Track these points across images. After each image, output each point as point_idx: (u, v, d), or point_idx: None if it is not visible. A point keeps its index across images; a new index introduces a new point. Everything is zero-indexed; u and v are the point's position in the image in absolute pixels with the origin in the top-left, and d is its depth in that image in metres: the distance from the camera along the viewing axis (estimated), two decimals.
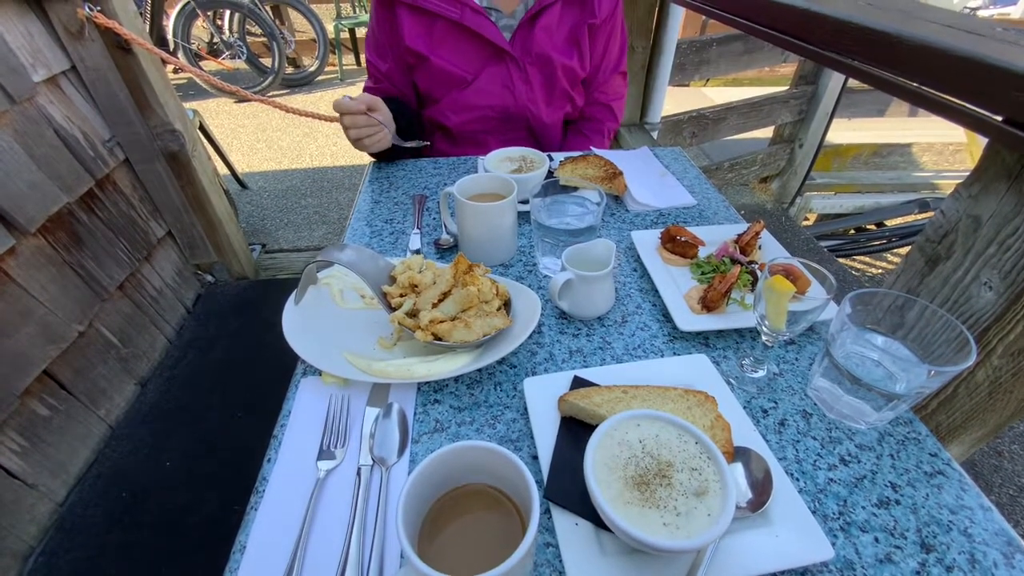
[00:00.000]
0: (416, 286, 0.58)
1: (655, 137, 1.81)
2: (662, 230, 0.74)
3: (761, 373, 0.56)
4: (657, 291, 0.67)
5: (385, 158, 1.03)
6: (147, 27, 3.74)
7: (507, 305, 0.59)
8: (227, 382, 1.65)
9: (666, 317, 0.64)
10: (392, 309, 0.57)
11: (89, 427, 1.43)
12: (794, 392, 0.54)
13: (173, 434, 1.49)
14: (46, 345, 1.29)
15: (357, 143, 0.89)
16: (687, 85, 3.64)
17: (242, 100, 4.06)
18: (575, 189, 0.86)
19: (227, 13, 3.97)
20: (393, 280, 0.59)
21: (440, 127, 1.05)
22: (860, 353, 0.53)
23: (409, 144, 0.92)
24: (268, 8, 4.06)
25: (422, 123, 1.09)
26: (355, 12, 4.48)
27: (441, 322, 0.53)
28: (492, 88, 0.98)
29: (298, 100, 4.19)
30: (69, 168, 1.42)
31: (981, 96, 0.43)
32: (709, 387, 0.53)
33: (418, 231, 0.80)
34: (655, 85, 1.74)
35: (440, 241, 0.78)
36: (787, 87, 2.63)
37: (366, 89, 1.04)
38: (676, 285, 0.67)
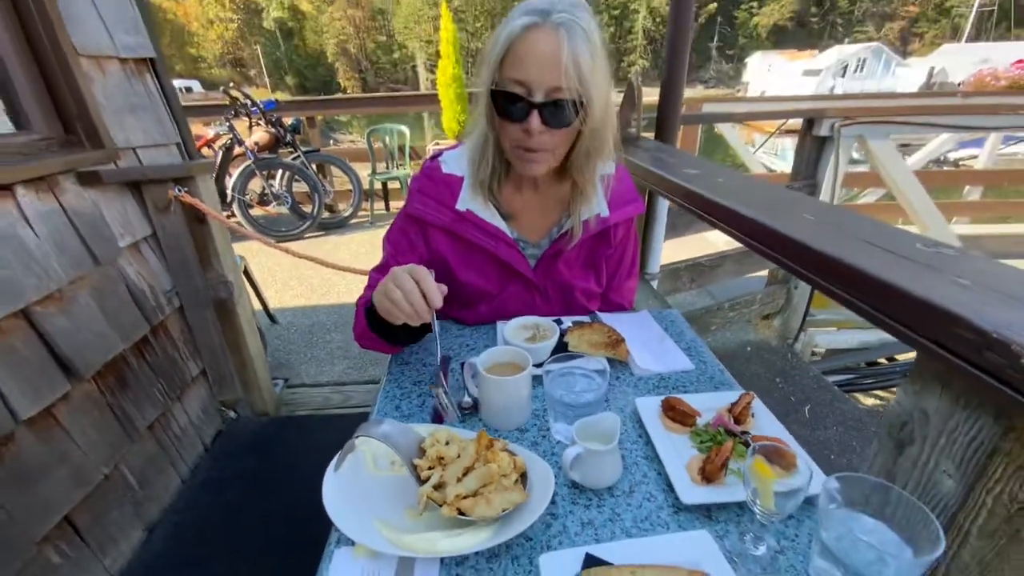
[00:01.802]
0: (443, 459, 0.65)
1: (655, 286, 1.98)
2: (663, 399, 0.82)
3: (763, 550, 0.59)
4: (660, 459, 0.73)
5: (403, 338, 0.98)
6: (211, 183, 4.35)
7: (523, 477, 0.66)
8: (236, 531, 1.61)
9: (670, 487, 0.69)
10: (421, 481, 0.63)
11: None
12: (797, 572, 0.57)
13: None
14: (72, 490, 1.33)
15: (389, 313, 0.80)
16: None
17: (282, 241, 4.51)
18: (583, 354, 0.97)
19: (280, 171, 4.63)
20: (423, 452, 0.67)
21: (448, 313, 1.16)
22: (852, 534, 0.57)
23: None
24: (314, 165, 4.73)
25: None
26: (388, 169, 5.17)
27: (465, 497, 0.60)
28: (515, 303, 1.09)
29: (331, 241, 4.65)
30: (132, 318, 1.59)
31: (908, 316, 0.54)
32: (713, 566, 0.56)
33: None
34: (652, 242, 1.96)
35: (462, 404, 0.87)
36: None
37: (372, 279, 1.07)
38: (678, 454, 0.73)
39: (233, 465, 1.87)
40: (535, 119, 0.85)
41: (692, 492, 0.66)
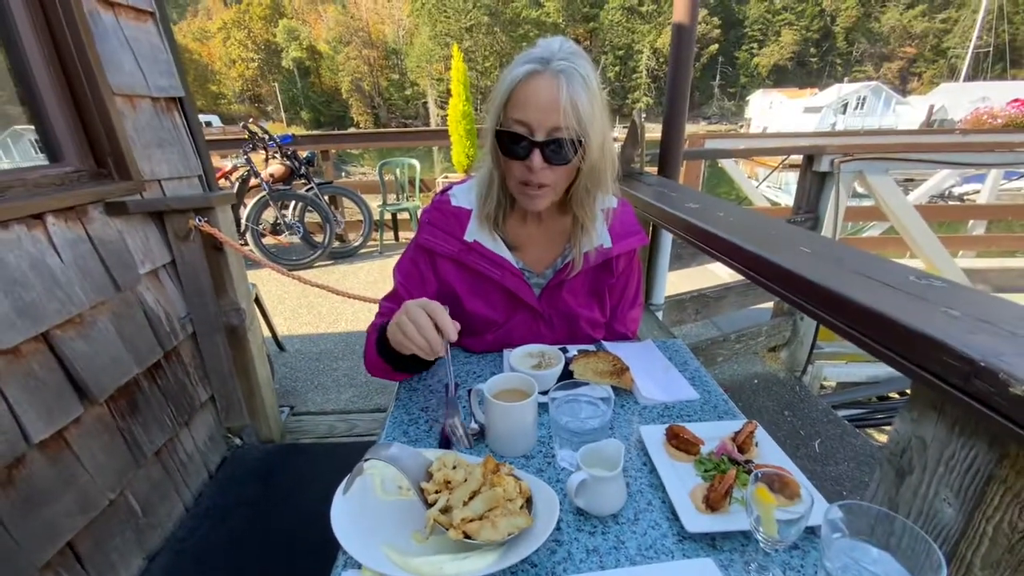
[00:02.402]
0: (450, 483, 0.66)
1: (660, 316, 2.00)
2: (667, 427, 0.83)
3: None
4: (664, 487, 0.73)
5: (413, 367, 1.00)
6: None
7: (529, 502, 0.67)
8: (237, 560, 1.60)
9: (674, 515, 0.69)
10: (428, 504, 0.65)
11: None
12: None
13: None
14: (78, 515, 1.33)
15: (402, 345, 0.84)
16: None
17: (293, 270, 4.59)
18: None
19: (293, 202, 4.76)
20: (430, 476, 0.68)
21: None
22: (857, 565, 0.57)
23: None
24: (326, 197, 4.85)
25: None
26: (398, 200, 5.30)
27: (471, 520, 0.61)
28: (520, 332, 1.12)
29: (340, 270, 4.72)
30: (147, 343, 1.63)
31: (900, 345, 0.56)
32: None
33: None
34: (657, 273, 1.99)
35: (469, 430, 0.88)
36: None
37: (383, 307, 1.12)
38: (682, 482, 0.74)
39: (237, 492, 1.86)
40: (537, 157, 0.90)
41: (696, 520, 0.66)
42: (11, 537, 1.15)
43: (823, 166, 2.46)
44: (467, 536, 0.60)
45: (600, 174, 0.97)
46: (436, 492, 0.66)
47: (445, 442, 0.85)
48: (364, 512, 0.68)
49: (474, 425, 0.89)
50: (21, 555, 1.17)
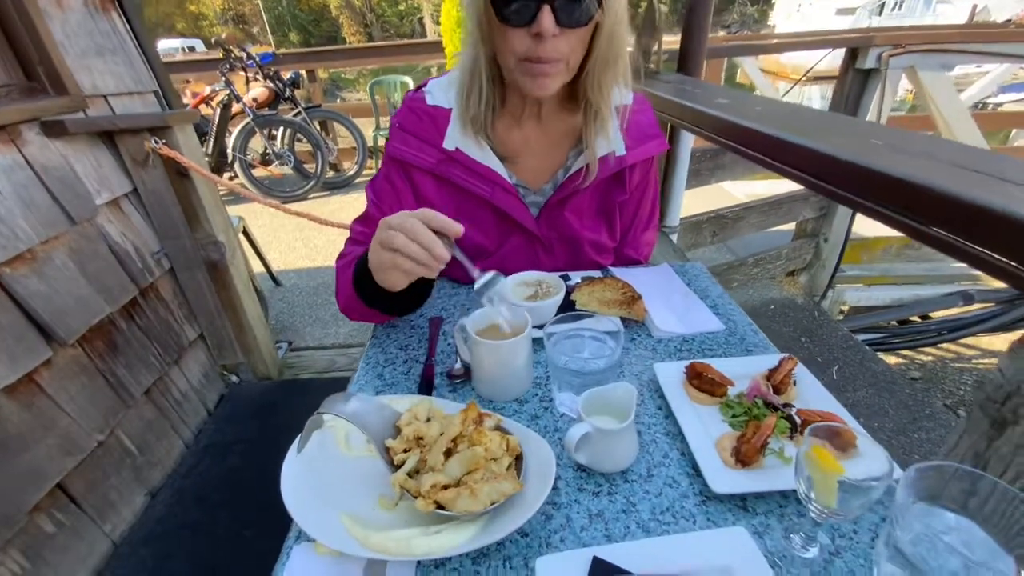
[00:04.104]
0: (422, 439, 0.54)
1: (675, 240, 1.83)
2: (687, 364, 0.70)
3: (813, 552, 0.48)
4: (684, 436, 0.61)
5: (400, 304, 0.83)
6: (211, 142, 4.20)
7: (519, 460, 0.55)
8: (238, 494, 1.58)
9: (696, 470, 0.58)
10: (394, 466, 0.53)
11: (92, 544, 1.37)
12: None
13: (176, 555, 1.41)
14: (64, 457, 1.29)
15: (392, 270, 0.66)
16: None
17: (286, 202, 4.39)
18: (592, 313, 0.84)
19: (280, 129, 4.45)
20: (398, 431, 0.56)
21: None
22: (929, 534, 0.45)
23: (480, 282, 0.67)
24: (316, 123, 4.52)
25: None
26: None
27: (445, 487, 0.49)
28: (515, 260, 0.94)
29: (335, 200, 4.52)
30: (117, 280, 1.51)
31: (1015, 253, 0.40)
32: (751, 570, 0.45)
33: (432, 361, 0.78)
34: (672, 191, 1.79)
35: (453, 371, 0.75)
36: None
37: (355, 231, 0.94)
38: (705, 429, 0.62)
39: (236, 429, 1.83)
40: (547, 17, 0.67)
41: (724, 478, 0.54)
42: None
43: (869, 62, 2.12)
44: (440, 507, 0.48)
45: (620, 46, 0.75)
46: (405, 451, 0.54)
47: (426, 386, 0.73)
48: (323, 472, 0.57)
49: (459, 365, 0.76)
50: (2, 500, 1.12)
